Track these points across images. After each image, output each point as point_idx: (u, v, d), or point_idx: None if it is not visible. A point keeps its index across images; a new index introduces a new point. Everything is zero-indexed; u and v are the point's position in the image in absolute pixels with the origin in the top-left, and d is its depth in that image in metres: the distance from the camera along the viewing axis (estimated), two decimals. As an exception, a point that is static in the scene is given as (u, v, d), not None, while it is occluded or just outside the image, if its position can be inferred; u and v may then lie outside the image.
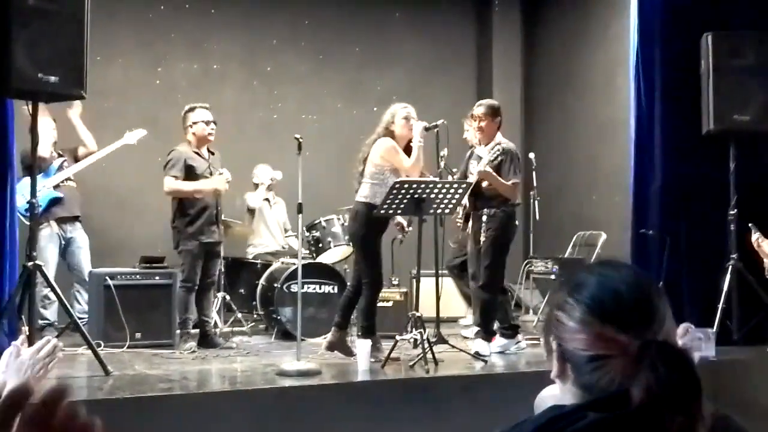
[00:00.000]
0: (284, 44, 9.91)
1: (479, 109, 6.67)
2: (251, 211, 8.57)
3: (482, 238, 6.41)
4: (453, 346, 6.16)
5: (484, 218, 6.42)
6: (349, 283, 6.57)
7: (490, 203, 6.44)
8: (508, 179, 6.42)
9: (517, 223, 6.69)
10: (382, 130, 6.27)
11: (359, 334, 6.17)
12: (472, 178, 6.41)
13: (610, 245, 8.55)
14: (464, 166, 6.81)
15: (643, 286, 1.42)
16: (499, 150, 6.42)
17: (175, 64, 9.45)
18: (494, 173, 6.36)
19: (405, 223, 6.84)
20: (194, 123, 6.84)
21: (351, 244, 6.68)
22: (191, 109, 6.91)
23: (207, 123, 6.84)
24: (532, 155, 9.16)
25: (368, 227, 6.13)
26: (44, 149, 6.97)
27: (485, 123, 6.61)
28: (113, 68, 8.88)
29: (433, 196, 5.82)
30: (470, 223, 6.60)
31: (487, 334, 6.44)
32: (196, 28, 9.53)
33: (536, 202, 8.75)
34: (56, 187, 7.18)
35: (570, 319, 1.40)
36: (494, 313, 6.55)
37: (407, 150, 6.25)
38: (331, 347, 6.22)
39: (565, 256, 8.92)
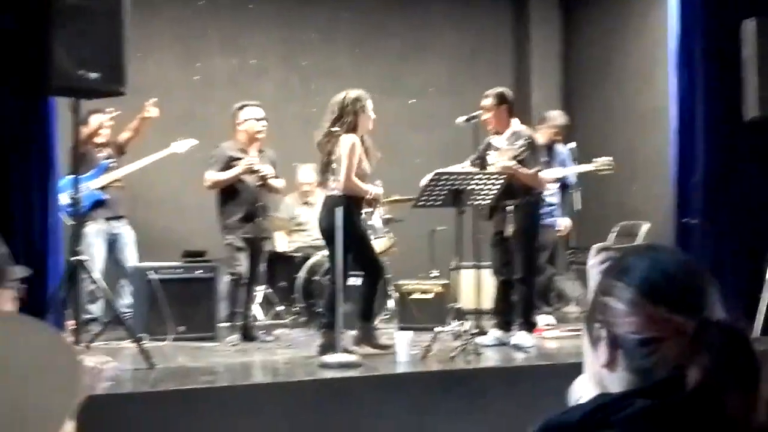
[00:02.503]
0: (321, 38, 9.92)
1: (485, 101, 6.55)
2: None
3: (509, 232, 6.32)
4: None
5: (508, 210, 6.31)
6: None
7: (514, 195, 6.29)
8: (530, 168, 6.32)
9: (542, 211, 6.57)
10: (350, 121, 5.97)
11: (359, 318, 6.13)
12: (493, 169, 6.29)
13: (653, 235, 8.46)
14: (480, 155, 6.54)
15: (693, 268, 1.39)
16: (524, 145, 6.30)
17: (212, 59, 9.49)
18: (517, 166, 6.24)
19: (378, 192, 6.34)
20: (245, 120, 6.76)
21: (335, 240, 5.83)
22: (241, 107, 6.82)
23: (258, 120, 6.78)
24: (572, 145, 9.09)
25: (349, 218, 5.79)
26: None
27: (493, 113, 6.48)
28: (151, 65, 8.92)
29: (471, 187, 5.77)
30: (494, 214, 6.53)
31: (528, 326, 6.39)
32: (234, 23, 9.57)
33: (578, 192, 8.68)
34: (103, 188, 7.21)
35: (619, 302, 1.37)
36: (533, 304, 6.49)
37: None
38: (358, 342, 6.05)
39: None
